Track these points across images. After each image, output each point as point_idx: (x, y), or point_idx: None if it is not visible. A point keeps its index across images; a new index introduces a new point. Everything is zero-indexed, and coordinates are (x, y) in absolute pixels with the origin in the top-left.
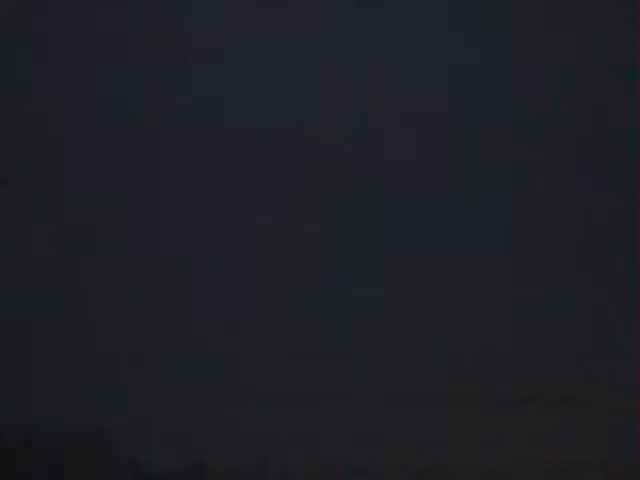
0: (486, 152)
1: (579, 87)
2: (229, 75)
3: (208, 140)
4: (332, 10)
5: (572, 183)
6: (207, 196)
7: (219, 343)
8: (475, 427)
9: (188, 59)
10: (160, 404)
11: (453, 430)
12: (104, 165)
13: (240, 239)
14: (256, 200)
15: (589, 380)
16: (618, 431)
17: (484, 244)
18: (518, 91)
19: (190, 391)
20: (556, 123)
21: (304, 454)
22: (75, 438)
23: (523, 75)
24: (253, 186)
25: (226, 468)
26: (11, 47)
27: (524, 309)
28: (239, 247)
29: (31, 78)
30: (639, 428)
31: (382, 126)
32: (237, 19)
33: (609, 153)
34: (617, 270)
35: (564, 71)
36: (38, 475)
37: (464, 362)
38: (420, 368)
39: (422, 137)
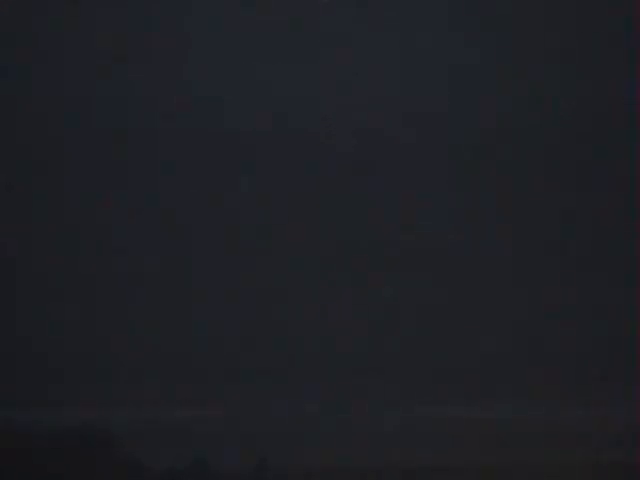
0: (486, 152)
1: (579, 87)
2: (229, 75)
3: (208, 140)
4: (332, 10)
5: (572, 183)
6: (207, 195)
7: (219, 342)
8: (478, 426)
9: (188, 59)
10: (160, 404)
11: (453, 430)
12: (104, 165)
13: (240, 239)
14: (256, 200)
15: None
16: None
17: (484, 244)
18: (518, 91)
19: (190, 391)
20: (556, 123)
21: (304, 454)
22: (75, 438)
23: (523, 75)
24: (253, 186)
25: (226, 468)
26: (11, 47)
27: (524, 309)
28: (239, 247)
29: (31, 78)
30: None
31: (382, 126)
32: (237, 19)
33: (609, 153)
34: (617, 270)
35: (564, 71)
36: (38, 476)
37: (464, 361)
38: (420, 368)
39: (422, 137)
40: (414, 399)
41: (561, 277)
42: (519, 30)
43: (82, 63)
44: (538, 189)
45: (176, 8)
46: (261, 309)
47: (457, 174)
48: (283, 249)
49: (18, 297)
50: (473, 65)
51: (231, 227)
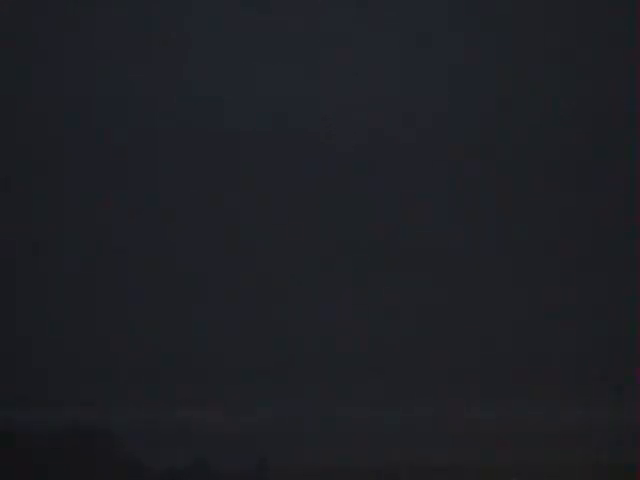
0: (486, 152)
1: (579, 87)
2: (229, 75)
3: (208, 140)
4: (332, 10)
5: (572, 183)
6: (207, 195)
7: (219, 342)
8: (476, 426)
9: (188, 59)
10: (160, 404)
11: (453, 430)
12: (104, 165)
13: (240, 239)
14: (256, 200)
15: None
16: None
17: (484, 244)
18: (518, 91)
19: (190, 391)
20: (556, 123)
21: (304, 454)
22: (75, 438)
23: (523, 75)
24: (253, 186)
25: (226, 468)
26: (11, 47)
27: (524, 309)
28: (239, 247)
29: (31, 78)
30: None
31: (382, 126)
32: (237, 19)
33: (609, 153)
34: (617, 270)
35: (564, 71)
36: (38, 476)
37: (463, 361)
38: (420, 368)
39: (422, 137)
40: (414, 399)
41: (561, 277)
42: (519, 30)
43: (82, 63)
44: (538, 189)
45: (176, 8)
46: (261, 309)
47: (457, 174)
48: (283, 249)
49: (18, 297)
50: (473, 65)
51: (231, 227)
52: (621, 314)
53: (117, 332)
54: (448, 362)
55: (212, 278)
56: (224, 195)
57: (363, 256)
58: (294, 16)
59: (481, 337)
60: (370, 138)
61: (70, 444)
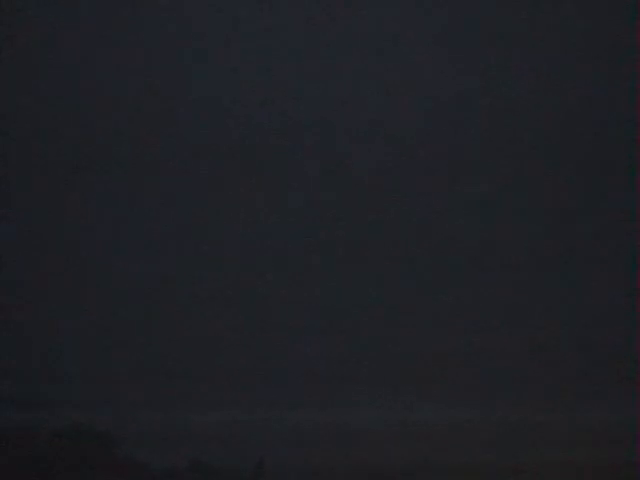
0: (486, 152)
1: (579, 87)
2: (229, 75)
3: (208, 140)
4: (332, 10)
5: (572, 183)
6: (207, 196)
7: (219, 342)
8: (477, 426)
9: (188, 59)
10: (160, 404)
11: (454, 430)
12: (104, 165)
13: (240, 240)
14: (256, 200)
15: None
16: None
17: (484, 243)
18: (518, 92)
19: (190, 391)
20: (555, 123)
21: (304, 454)
22: (75, 438)
23: (523, 75)
24: (253, 186)
25: (226, 468)
26: (11, 47)
27: (524, 308)
28: (240, 248)
29: (31, 78)
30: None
31: (382, 126)
32: (237, 19)
33: (609, 153)
34: (617, 270)
35: (564, 71)
36: (38, 475)
37: (463, 361)
38: (419, 368)
39: (422, 137)
40: (413, 399)
41: (561, 277)
42: (518, 30)
43: (82, 63)
44: (538, 189)
45: (176, 8)
46: (260, 309)
47: (457, 174)
48: (284, 249)
49: (19, 297)
50: (473, 67)
51: (231, 227)
52: (621, 315)
53: (117, 332)
54: (447, 362)
55: (212, 279)
56: (224, 195)
57: (364, 256)
58: (294, 16)
59: (480, 337)
60: (370, 138)
61: (70, 444)
